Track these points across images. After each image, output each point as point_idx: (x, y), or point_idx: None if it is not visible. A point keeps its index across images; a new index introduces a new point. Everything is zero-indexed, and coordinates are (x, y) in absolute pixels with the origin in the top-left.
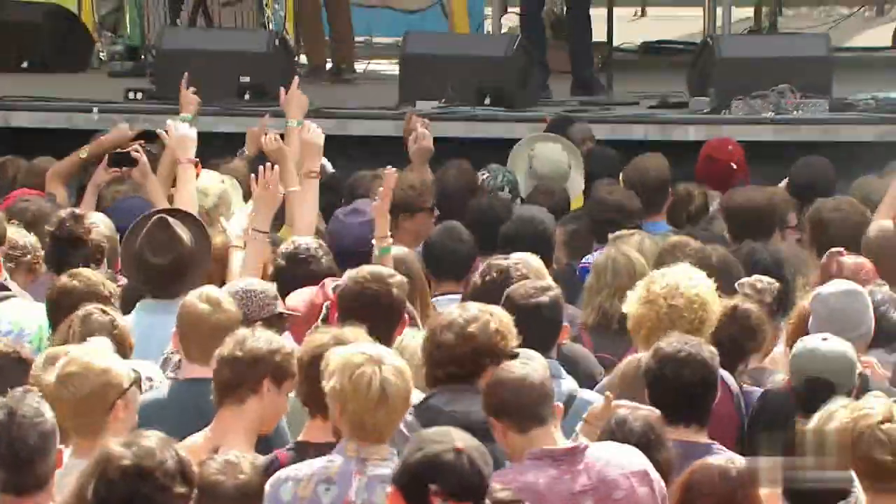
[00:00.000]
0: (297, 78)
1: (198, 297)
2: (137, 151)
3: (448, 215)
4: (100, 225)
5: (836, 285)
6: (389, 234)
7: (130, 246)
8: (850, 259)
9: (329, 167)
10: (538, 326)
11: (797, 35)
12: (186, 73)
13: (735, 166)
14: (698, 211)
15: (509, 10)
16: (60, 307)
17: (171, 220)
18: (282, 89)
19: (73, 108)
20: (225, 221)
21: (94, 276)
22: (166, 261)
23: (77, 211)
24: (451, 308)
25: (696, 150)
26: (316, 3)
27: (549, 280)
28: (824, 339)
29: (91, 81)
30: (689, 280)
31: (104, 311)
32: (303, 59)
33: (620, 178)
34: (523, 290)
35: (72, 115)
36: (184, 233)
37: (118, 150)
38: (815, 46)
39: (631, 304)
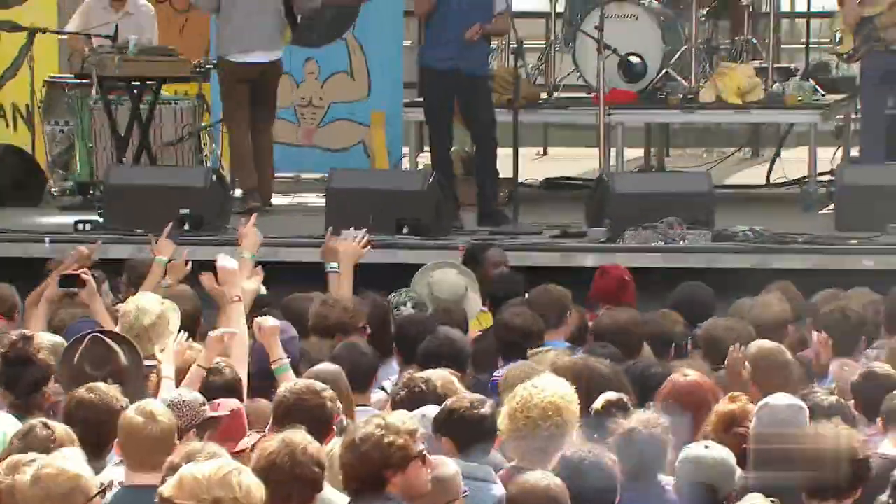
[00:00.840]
0: (254, 215)
1: (134, 410)
2: (86, 274)
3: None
4: (49, 345)
5: (780, 398)
6: (284, 355)
7: (69, 361)
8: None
9: (263, 290)
10: (481, 436)
11: (682, 173)
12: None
13: (627, 278)
14: (581, 331)
15: (425, 148)
16: (76, 418)
17: (106, 338)
18: (241, 223)
19: (27, 239)
20: (160, 354)
21: (110, 389)
22: (103, 373)
23: (27, 332)
24: (357, 424)
25: (592, 273)
26: (247, 145)
27: (472, 394)
28: (706, 447)
29: (44, 214)
30: (541, 391)
31: (46, 425)
32: (237, 192)
33: (525, 299)
34: (467, 402)
35: (26, 245)
36: (119, 350)
37: (67, 272)
38: (699, 183)
39: (501, 420)
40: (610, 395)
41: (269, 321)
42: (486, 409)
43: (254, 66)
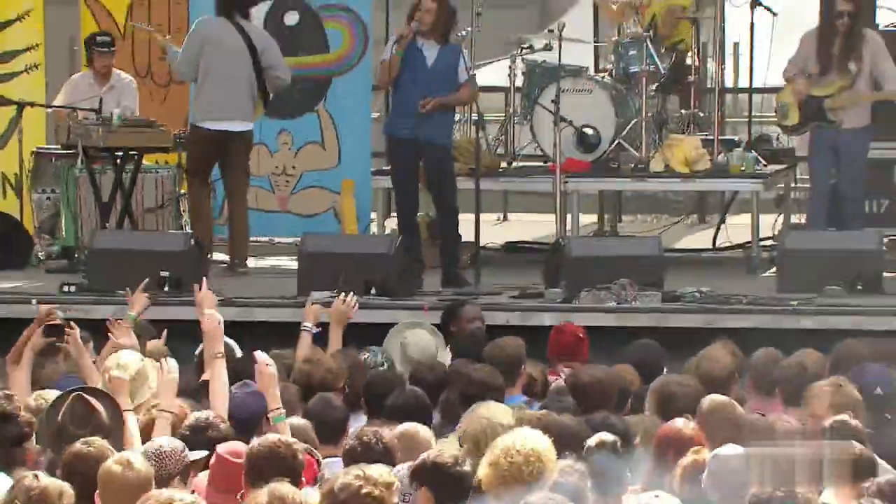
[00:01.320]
0: (205, 278)
1: (113, 460)
2: (70, 326)
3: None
4: (31, 403)
5: (732, 449)
6: (280, 405)
7: (52, 419)
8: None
9: (237, 349)
10: (459, 491)
11: (634, 238)
12: (147, 280)
13: (582, 336)
14: (543, 386)
15: (392, 214)
16: (74, 472)
17: (88, 396)
18: (195, 286)
19: (14, 301)
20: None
21: (105, 444)
22: (86, 431)
23: (7, 391)
24: (337, 474)
25: (549, 332)
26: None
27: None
28: (656, 497)
29: (30, 277)
30: (524, 439)
31: (37, 477)
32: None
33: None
34: (449, 457)
35: (12, 306)
36: (101, 407)
37: (52, 322)
38: (649, 247)
39: (481, 467)
40: (604, 436)
41: (271, 369)
42: (466, 467)
43: (224, 134)
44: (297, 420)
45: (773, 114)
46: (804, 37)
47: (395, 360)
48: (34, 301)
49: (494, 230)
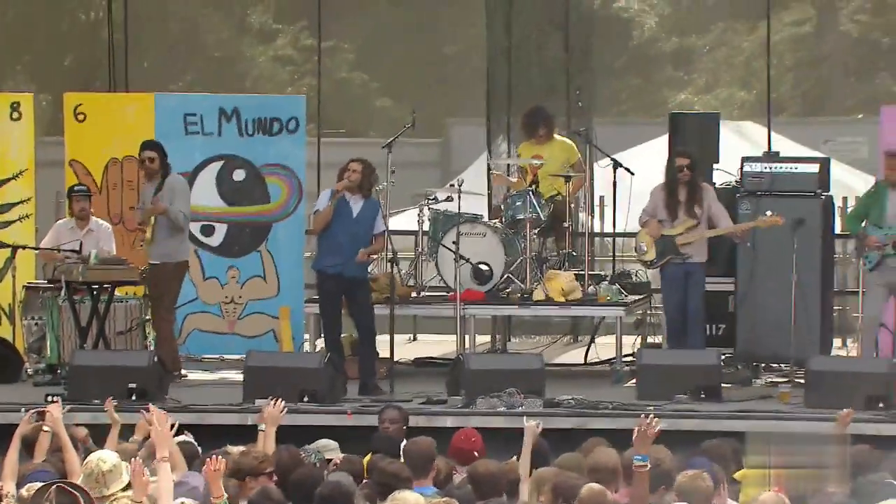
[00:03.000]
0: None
1: None
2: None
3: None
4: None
5: None
6: (224, 494)
7: None
8: None
9: (196, 445)
10: None
11: (520, 354)
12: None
13: (477, 454)
14: (448, 478)
15: (320, 335)
16: None
17: (67, 486)
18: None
19: (5, 409)
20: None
21: None
22: None
23: None
24: None
25: (452, 432)
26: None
27: None
28: None
29: (20, 390)
30: None
31: None
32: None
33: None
34: None
35: (5, 414)
36: (81, 498)
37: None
38: (533, 362)
39: None
40: None
41: (217, 462)
42: None
43: (185, 265)
44: None
45: (634, 252)
46: (654, 189)
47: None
48: (23, 409)
49: (406, 348)
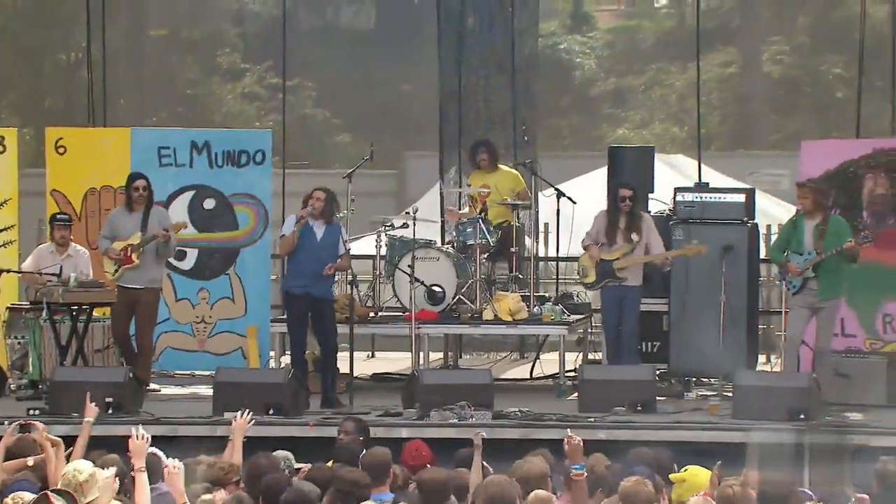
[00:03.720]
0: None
1: None
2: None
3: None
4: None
5: None
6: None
7: None
8: None
9: (163, 457)
10: None
11: (471, 370)
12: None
13: (425, 453)
14: (405, 483)
15: (286, 352)
16: None
17: (52, 496)
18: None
19: None
20: None
21: None
22: None
23: None
24: None
25: (408, 442)
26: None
27: None
28: None
29: (3, 404)
30: None
31: None
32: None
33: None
34: None
35: None
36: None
37: (24, 423)
38: (482, 377)
39: None
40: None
41: (176, 470)
42: None
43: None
44: None
45: (576, 276)
46: (597, 215)
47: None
48: (7, 423)
49: (365, 364)
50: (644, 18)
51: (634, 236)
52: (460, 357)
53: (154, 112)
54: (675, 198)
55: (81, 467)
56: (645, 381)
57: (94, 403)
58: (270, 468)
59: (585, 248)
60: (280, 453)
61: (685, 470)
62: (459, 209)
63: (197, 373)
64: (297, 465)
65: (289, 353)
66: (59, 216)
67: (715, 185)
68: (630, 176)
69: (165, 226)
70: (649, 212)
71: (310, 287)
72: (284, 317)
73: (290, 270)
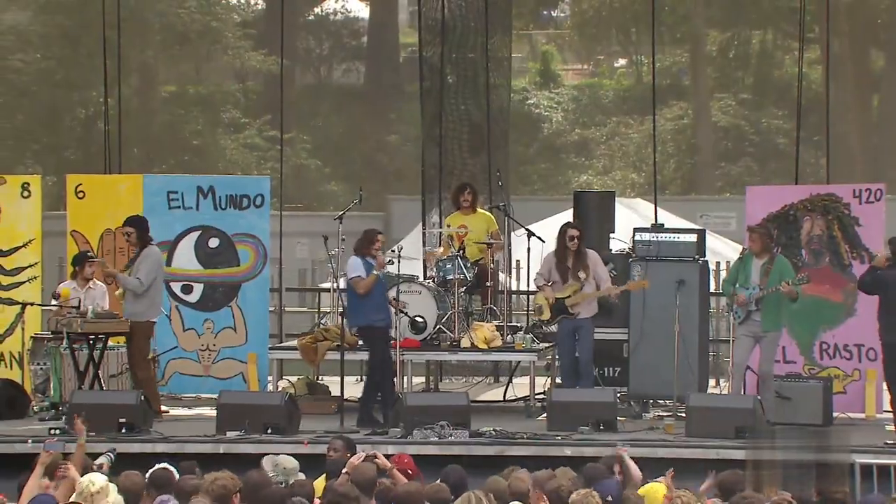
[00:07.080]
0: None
1: None
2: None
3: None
4: None
5: None
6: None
7: None
8: None
9: (175, 472)
10: None
11: (449, 392)
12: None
13: (410, 472)
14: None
15: (282, 377)
16: None
17: None
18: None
19: (15, 441)
20: None
21: None
22: None
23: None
24: None
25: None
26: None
27: None
28: None
29: (27, 424)
30: None
31: None
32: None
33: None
34: None
35: (14, 444)
36: None
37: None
38: (460, 399)
39: None
40: None
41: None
42: None
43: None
44: None
45: (531, 313)
46: (547, 256)
47: (269, 471)
48: (30, 441)
49: (354, 387)
50: (605, 77)
51: (582, 274)
52: (440, 381)
53: (163, 160)
54: (634, 237)
55: (95, 479)
56: (607, 402)
57: (80, 420)
58: (265, 483)
59: (539, 287)
60: (282, 458)
61: (645, 484)
62: (439, 246)
63: (202, 396)
64: (290, 479)
65: (289, 377)
66: (89, 255)
67: (670, 227)
68: (593, 218)
69: (136, 268)
70: (609, 250)
71: (387, 319)
72: (365, 347)
73: (368, 307)
